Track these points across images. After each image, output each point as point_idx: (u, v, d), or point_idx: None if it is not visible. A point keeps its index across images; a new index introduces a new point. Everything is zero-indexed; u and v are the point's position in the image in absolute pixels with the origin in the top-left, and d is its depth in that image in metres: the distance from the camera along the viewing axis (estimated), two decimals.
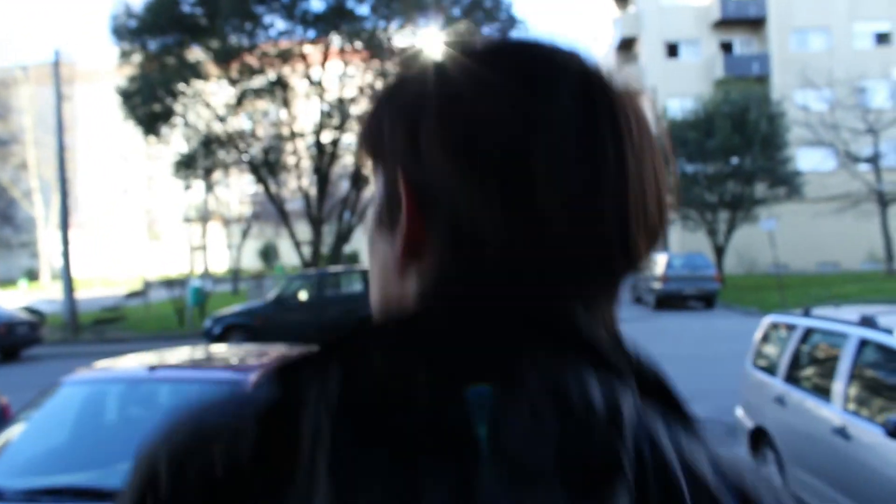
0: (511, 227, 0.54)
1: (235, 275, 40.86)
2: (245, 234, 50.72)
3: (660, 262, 22.96)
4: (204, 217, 54.57)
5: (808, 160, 32.77)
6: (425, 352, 0.53)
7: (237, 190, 54.43)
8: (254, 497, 0.52)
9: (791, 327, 6.13)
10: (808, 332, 5.82)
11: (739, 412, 6.78)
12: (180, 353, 5.24)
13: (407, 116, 0.58)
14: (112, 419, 4.20)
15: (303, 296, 16.74)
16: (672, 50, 43.26)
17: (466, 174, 0.54)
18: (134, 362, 4.68)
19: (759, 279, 32.83)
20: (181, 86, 19.01)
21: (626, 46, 48.08)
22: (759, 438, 6.24)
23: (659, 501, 0.52)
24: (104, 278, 61.28)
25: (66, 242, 21.46)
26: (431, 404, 0.51)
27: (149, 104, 18.85)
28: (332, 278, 17.35)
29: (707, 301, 22.65)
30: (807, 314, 6.02)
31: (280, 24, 21.25)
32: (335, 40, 21.20)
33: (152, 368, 4.24)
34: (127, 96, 18.92)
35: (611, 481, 0.50)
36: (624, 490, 0.50)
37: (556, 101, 0.55)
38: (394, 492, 0.49)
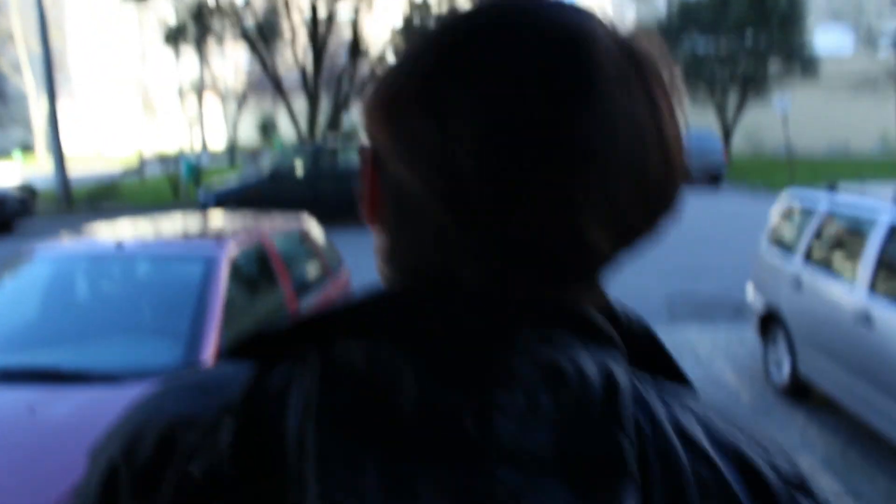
0: (439, 203, 0.50)
1: (232, 149, 40.22)
2: (240, 106, 49.62)
3: None
4: (199, 90, 53.41)
5: (826, 42, 31.40)
6: (406, 346, 0.48)
7: (233, 62, 52.90)
8: None
9: (813, 204, 5.73)
10: (833, 210, 5.42)
11: (750, 292, 6.50)
12: (167, 222, 4.81)
13: (372, 89, 0.56)
14: (78, 296, 3.86)
15: (298, 170, 16.22)
16: None
17: (399, 148, 0.52)
18: (121, 229, 4.32)
19: (766, 160, 32.25)
20: None
21: None
22: (771, 319, 5.98)
23: (661, 469, 0.48)
24: (99, 154, 60.65)
25: (54, 116, 20.75)
26: (419, 405, 0.46)
27: None
28: (327, 152, 16.64)
29: (713, 180, 22.11)
30: (831, 190, 5.61)
31: None
32: None
33: (119, 245, 3.87)
34: None
35: (612, 470, 0.46)
36: (630, 483, 0.46)
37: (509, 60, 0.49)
38: (388, 499, 0.44)
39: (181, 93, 62.52)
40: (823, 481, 4.23)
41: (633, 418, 0.48)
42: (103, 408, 2.73)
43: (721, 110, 27.67)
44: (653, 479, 0.47)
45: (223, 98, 53.78)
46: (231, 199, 15.51)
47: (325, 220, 17.44)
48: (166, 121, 65.27)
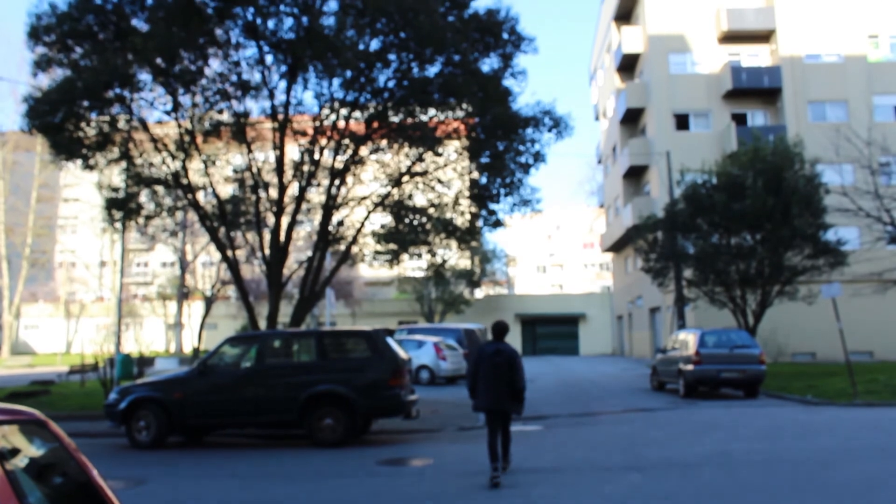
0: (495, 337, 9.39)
1: (195, 353, 36.73)
2: (208, 307, 46.90)
3: (689, 340, 19.02)
4: (180, 294, 51.24)
5: (841, 235, 29.31)
6: (492, 341, 9.27)
7: (213, 269, 51.13)
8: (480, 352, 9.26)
9: None
10: None
11: None
12: None
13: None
14: None
15: (241, 364, 12.54)
16: (682, 121, 40.59)
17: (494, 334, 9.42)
18: None
19: (792, 367, 28.83)
20: (114, 97, 15.10)
21: (632, 118, 45.49)
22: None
23: (505, 358, 8.99)
24: (69, 354, 57.22)
25: None
26: (489, 345, 9.16)
27: (68, 119, 14.82)
28: (278, 341, 12.92)
29: (749, 388, 18.39)
30: None
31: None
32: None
33: None
34: (36, 107, 14.60)
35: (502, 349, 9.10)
36: (503, 354, 9.03)
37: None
38: (481, 360, 9.03)
39: (161, 297, 60.20)
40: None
41: (502, 347, 8.99)
42: None
43: (740, 311, 24.57)
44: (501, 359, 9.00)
45: (207, 302, 51.20)
46: (148, 400, 11.92)
47: (271, 429, 13.23)
48: (148, 324, 62.53)
